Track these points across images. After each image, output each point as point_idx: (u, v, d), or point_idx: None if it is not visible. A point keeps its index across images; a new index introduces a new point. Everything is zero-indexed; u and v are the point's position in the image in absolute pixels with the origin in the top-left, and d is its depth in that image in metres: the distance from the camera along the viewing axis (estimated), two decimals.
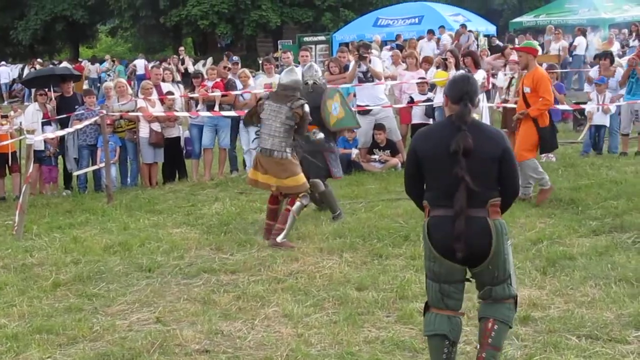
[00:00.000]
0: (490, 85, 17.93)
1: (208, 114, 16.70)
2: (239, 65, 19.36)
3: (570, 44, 32.51)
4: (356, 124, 14.17)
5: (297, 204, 11.32)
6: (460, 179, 6.14)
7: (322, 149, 12.43)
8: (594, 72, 18.48)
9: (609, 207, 12.10)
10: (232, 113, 16.76)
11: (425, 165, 6.40)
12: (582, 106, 17.90)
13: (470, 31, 32.86)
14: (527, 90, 12.56)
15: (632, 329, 7.62)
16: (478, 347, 6.56)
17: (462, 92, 6.38)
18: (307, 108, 11.34)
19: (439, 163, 6.30)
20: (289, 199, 11.42)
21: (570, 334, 7.55)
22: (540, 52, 17.90)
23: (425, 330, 6.53)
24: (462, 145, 6.14)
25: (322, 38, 41.33)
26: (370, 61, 17.32)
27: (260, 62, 29.20)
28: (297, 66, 16.38)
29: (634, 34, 32.55)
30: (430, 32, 32.89)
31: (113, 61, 42.83)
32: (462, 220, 6.18)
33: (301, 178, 11.34)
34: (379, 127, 17.03)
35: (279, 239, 11.05)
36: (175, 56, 35.54)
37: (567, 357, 7.03)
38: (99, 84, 38.19)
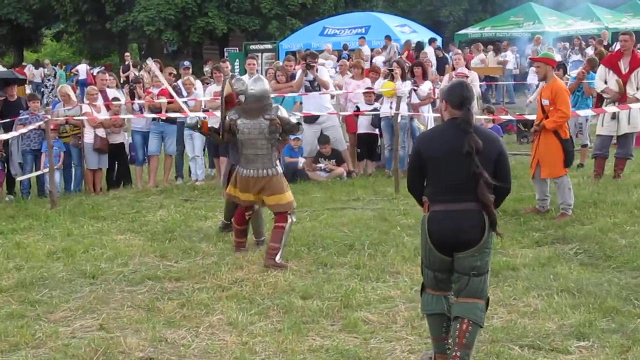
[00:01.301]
0: (436, 96, 18.00)
1: (154, 115, 16.66)
2: (190, 70, 19.25)
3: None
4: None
5: (289, 220, 10.63)
6: (478, 176, 6.65)
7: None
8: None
9: (552, 218, 12.23)
10: (179, 115, 16.69)
11: (429, 165, 6.90)
12: (526, 116, 18.04)
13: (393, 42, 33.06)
14: (545, 102, 12.34)
15: (574, 339, 7.70)
16: (451, 345, 6.86)
17: (462, 98, 6.87)
18: (283, 111, 10.76)
19: (443, 163, 6.82)
20: (276, 216, 10.69)
21: (513, 344, 7.61)
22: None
23: (424, 309, 7.16)
24: (474, 146, 6.63)
25: (269, 46, 41.31)
26: (317, 70, 17.39)
27: (206, 69, 29.16)
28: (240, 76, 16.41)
29: (576, 48, 32.96)
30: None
31: (54, 65, 42.45)
32: (491, 210, 6.81)
33: (289, 195, 10.72)
34: (323, 140, 17.09)
35: (277, 259, 10.31)
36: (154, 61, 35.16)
37: None
38: (42, 89, 37.87)
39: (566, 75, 18.50)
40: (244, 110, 10.63)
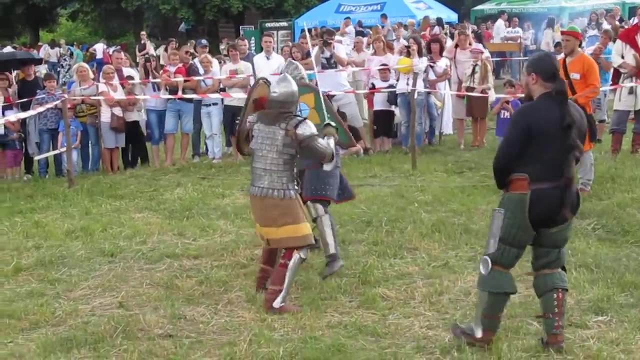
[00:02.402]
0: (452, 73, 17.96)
1: (169, 96, 16.65)
2: (207, 48, 19.25)
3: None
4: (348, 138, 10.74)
5: (295, 256, 8.43)
6: (570, 149, 6.69)
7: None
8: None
9: None
10: (194, 95, 16.71)
11: (535, 140, 6.69)
12: None
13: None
14: (575, 76, 12.16)
15: (592, 314, 7.72)
16: (550, 316, 6.92)
17: (554, 68, 6.80)
18: (305, 129, 8.37)
19: (548, 138, 6.67)
20: (283, 251, 8.61)
21: (531, 319, 7.62)
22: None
23: (494, 287, 6.95)
24: (573, 118, 6.65)
25: (284, 24, 41.16)
26: (334, 47, 17.36)
27: (222, 47, 29.13)
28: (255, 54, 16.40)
29: (593, 23, 32.73)
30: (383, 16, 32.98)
31: (71, 45, 42.44)
32: (572, 188, 6.82)
33: (305, 227, 8.49)
34: (340, 115, 17.02)
35: (275, 304, 8.26)
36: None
37: (528, 342, 7.09)
38: (59, 69, 37.86)
39: (586, 50, 18.39)
40: (264, 115, 8.58)
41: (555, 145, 6.65)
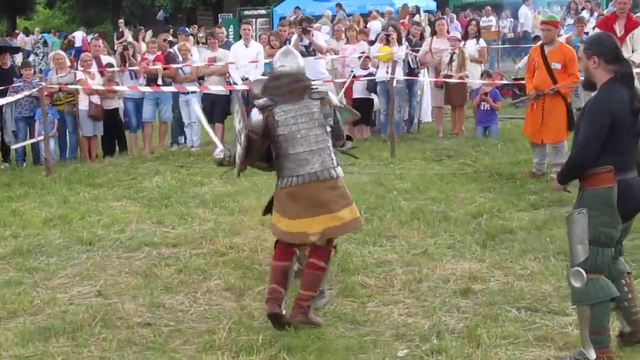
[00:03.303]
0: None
1: (148, 88, 16.57)
2: (191, 37, 19.22)
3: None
4: (353, 114, 11.14)
5: (331, 253, 7.65)
6: (638, 135, 6.32)
7: None
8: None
9: (548, 181, 12.23)
10: (172, 88, 16.68)
11: (616, 128, 6.20)
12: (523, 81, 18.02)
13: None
14: (557, 66, 12.25)
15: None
16: (625, 304, 6.67)
17: (616, 49, 6.39)
18: (333, 97, 7.81)
19: (623, 125, 6.22)
20: (308, 247, 7.65)
21: (510, 306, 7.65)
22: None
23: (594, 298, 6.30)
24: None
25: (263, 12, 41.10)
26: (313, 35, 17.35)
27: (200, 35, 29.05)
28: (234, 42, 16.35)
29: (572, 12, 32.81)
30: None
31: (47, 33, 42.18)
32: None
33: (355, 206, 7.73)
34: None
35: (311, 313, 7.48)
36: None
37: (507, 329, 7.11)
38: (33, 57, 37.61)
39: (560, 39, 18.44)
40: (280, 94, 7.54)
41: (628, 131, 6.25)
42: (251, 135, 7.53)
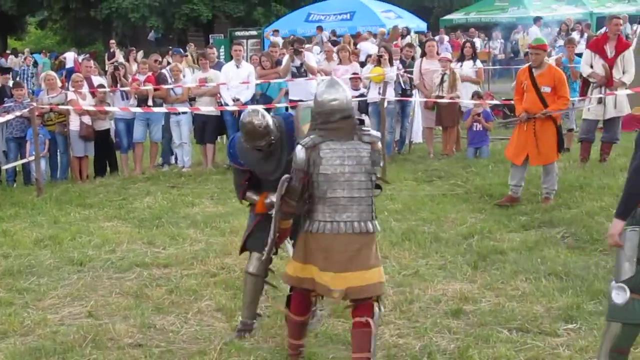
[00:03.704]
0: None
1: (139, 109, 16.57)
2: (184, 58, 19.25)
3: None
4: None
5: (376, 311, 6.83)
6: None
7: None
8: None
9: (539, 202, 12.27)
10: (163, 109, 16.69)
11: None
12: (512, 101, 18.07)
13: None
14: (547, 89, 12.17)
15: (562, 322, 7.76)
16: None
17: None
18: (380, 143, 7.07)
19: None
20: (351, 306, 6.90)
21: (501, 327, 7.66)
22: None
23: (628, 318, 6.11)
24: None
25: (254, 33, 41.15)
26: (304, 56, 17.39)
27: (192, 55, 29.07)
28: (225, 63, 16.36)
29: (563, 33, 32.95)
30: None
31: (38, 53, 42.16)
32: None
33: (382, 269, 6.99)
34: None
35: None
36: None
37: (498, 350, 7.12)
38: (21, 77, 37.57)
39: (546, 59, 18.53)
40: (328, 130, 6.77)
41: None
42: (295, 173, 6.77)
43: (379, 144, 6.91)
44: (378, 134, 7.01)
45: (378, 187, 7.13)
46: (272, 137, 7.32)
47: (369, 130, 6.86)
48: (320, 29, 33.54)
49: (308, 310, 7.09)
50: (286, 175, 6.86)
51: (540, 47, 12.46)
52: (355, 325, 6.76)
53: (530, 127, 12.23)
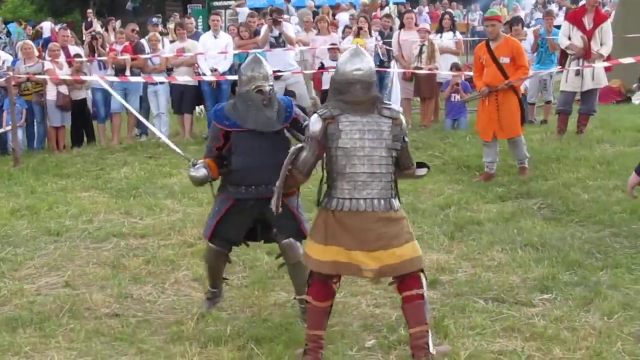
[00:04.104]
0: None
1: (116, 79, 16.49)
2: (159, 27, 19.11)
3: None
4: None
5: (424, 281, 6.62)
6: None
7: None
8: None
9: (515, 174, 12.31)
10: (140, 79, 16.61)
11: None
12: None
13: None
14: (505, 60, 12.15)
15: (537, 292, 7.81)
16: None
17: None
18: (404, 118, 6.70)
19: None
20: (396, 282, 6.66)
21: (477, 297, 7.71)
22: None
23: None
24: None
25: (232, 2, 40.95)
26: (283, 26, 17.34)
27: (170, 26, 28.91)
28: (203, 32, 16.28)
29: (539, 5, 32.98)
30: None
31: (10, 23, 41.79)
32: None
33: (417, 243, 6.65)
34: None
35: (433, 349, 6.49)
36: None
37: (474, 320, 7.16)
38: None
39: (524, 29, 18.55)
40: (348, 103, 6.52)
41: None
42: (308, 140, 6.51)
43: (402, 119, 6.58)
44: (400, 108, 6.82)
45: (424, 165, 6.99)
46: (272, 83, 7.37)
47: (390, 104, 6.64)
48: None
49: (331, 295, 6.66)
50: (298, 145, 6.58)
51: (495, 19, 12.53)
52: (407, 299, 6.53)
53: (492, 102, 12.17)
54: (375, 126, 6.41)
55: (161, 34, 20.37)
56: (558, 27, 17.02)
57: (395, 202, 6.50)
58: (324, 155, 6.51)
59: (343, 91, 6.53)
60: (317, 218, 6.70)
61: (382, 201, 6.40)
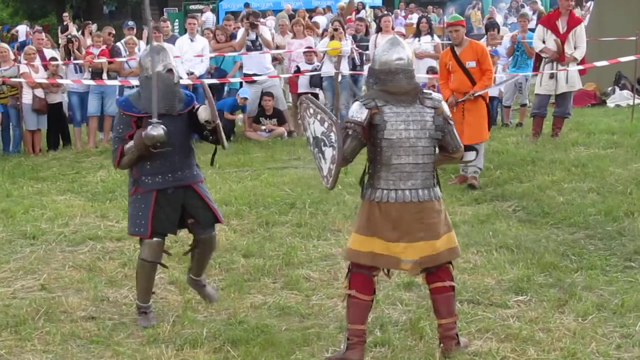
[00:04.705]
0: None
1: (92, 82, 16.46)
2: (134, 30, 19.07)
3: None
4: None
5: (453, 273, 6.82)
6: None
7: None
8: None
9: (491, 176, 12.37)
10: (116, 82, 16.58)
11: None
12: None
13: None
14: (472, 64, 11.99)
15: (512, 294, 7.85)
16: None
17: None
18: (446, 106, 6.74)
19: None
20: (425, 273, 6.71)
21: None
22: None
23: None
24: None
25: (207, 6, 40.95)
26: (260, 29, 17.38)
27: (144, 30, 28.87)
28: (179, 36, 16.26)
29: (513, 10, 33.10)
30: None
31: None
32: None
33: (454, 234, 6.80)
34: (267, 94, 17.05)
35: (462, 339, 6.74)
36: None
37: None
38: None
39: (499, 35, 18.64)
40: (390, 94, 6.52)
41: None
42: (351, 127, 6.46)
43: (444, 107, 6.62)
44: (440, 96, 6.77)
45: (472, 148, 7.15)
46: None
47: (431, 94, 6.63)
48: (247, 5, 33.28)
49: (373, 289, 6.66)
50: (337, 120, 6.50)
51: (458, 24, 12.35)
52: (437, 290, 6.65)
53: (459, 108, 11.98)
54: (418, 117, 6.44)
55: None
56: (533, 29, 17.13)
57: (438, 191, 6.58)
58: (367, 145, 6.55)
59: (386, 81, 6.52)
60: (361, 210, 6.69)
61: (426, 190, 6.46)
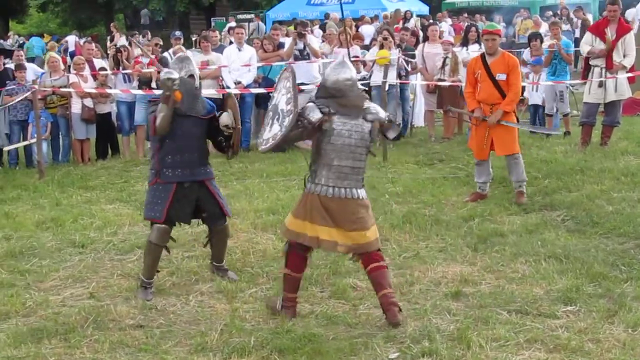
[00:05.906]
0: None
1: (140, 92, 16.57)
2: (181, 40, 19.21)
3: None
4: None
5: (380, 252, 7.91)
6: None
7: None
8: (526, 54, 18.58)
9: (539, 185, 12.28)
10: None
11: None
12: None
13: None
14: (502, 77, 11.54)
15: (561, 304, 7.79)
16: None
17: None
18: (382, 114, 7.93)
19: None
20: (367, 257, 7.78)
21: (500, 309, 7.69)
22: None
23: None
24: None
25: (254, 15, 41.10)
26: (307, 39, 17.43)
27: (193, 39, 29.06)
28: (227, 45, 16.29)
29: (564, 17, 32.85)
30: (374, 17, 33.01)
31: (41, 36, 42.08)
32: None
33: (376, 227, 7.98)
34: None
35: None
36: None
37: (497, 331, 7.15)
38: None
39: (543, 45, 18.49)
40: (340, 106, 7.63)
41: None
42: (302, 122, 7.58)
43: (381, 117, 7.79)
44: (382, 113, 7.86)
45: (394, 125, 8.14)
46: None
47: (374, 108, 7.82)
48: (328, 15, 33.39)
49: (305, 266, 7.92)
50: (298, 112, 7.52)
51: (495, 33, 11.98)
52: (373, 269, 7.70)
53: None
54: (359, 128, 7.63)
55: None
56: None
57: (362, 192, 7.72)
58: (313, 146, 7.80)
59: (337, 96, 7.67)
60: (302, 199, 7.82)
61: (357, 190, 7.65)
